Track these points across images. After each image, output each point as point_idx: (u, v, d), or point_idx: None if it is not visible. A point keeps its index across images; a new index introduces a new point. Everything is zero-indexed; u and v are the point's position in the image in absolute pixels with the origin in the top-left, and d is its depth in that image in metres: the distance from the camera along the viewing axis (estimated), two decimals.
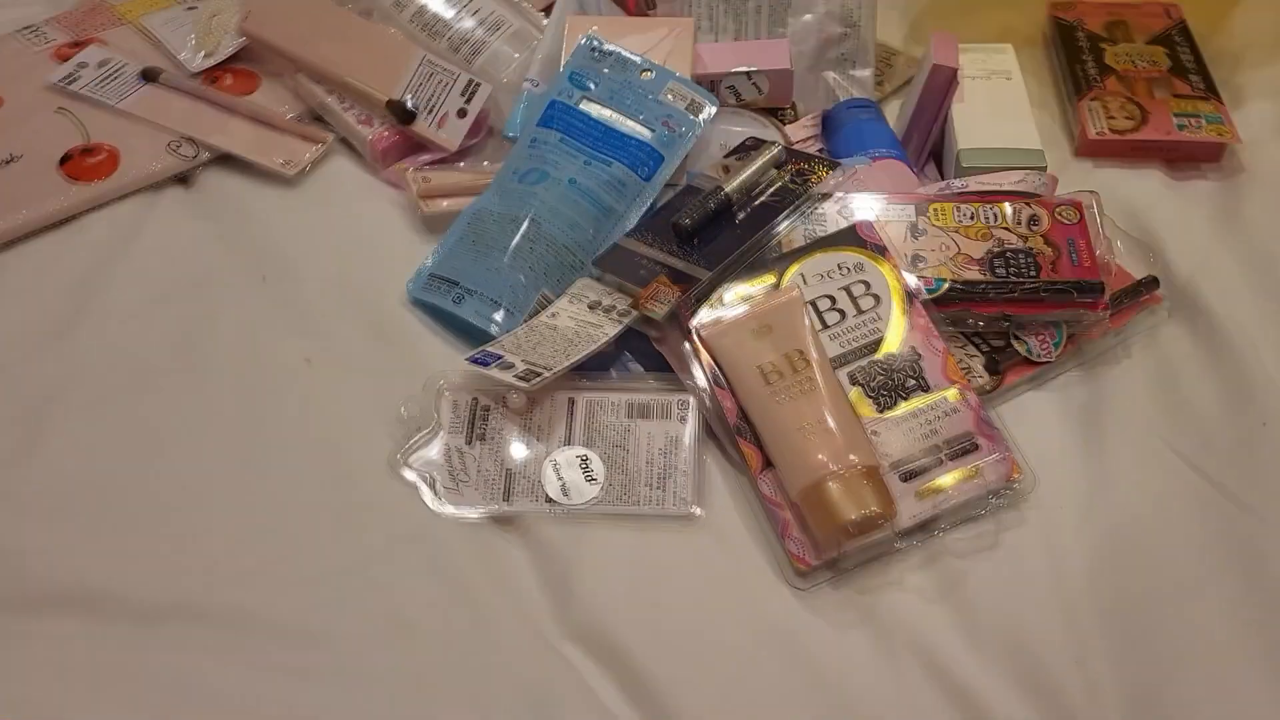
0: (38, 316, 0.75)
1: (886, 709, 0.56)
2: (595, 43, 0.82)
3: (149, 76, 0.90)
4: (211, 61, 0.92)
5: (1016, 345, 0.70)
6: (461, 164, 0.87)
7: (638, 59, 0.81)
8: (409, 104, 0.86)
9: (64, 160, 0.84)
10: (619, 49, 0.81)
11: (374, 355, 0.73)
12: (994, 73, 0.87)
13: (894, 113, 0.92)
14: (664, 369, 0.71)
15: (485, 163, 0.86)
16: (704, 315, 0.68)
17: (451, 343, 0.74)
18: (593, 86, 0.80)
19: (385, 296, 0.76)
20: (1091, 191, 0.74)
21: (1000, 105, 0.84)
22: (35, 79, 0.90)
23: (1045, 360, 0.70)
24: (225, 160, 0.87)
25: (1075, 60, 0.92)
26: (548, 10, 0.92)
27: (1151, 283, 0.75)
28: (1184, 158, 0.86)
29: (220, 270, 0.78)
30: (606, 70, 0.81)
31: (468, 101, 0.86)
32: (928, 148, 0.86)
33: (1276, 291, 0.75)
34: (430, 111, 0.87)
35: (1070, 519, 0.63)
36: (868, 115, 0.86)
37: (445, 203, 0.82)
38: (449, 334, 0.74)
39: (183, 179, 0.86)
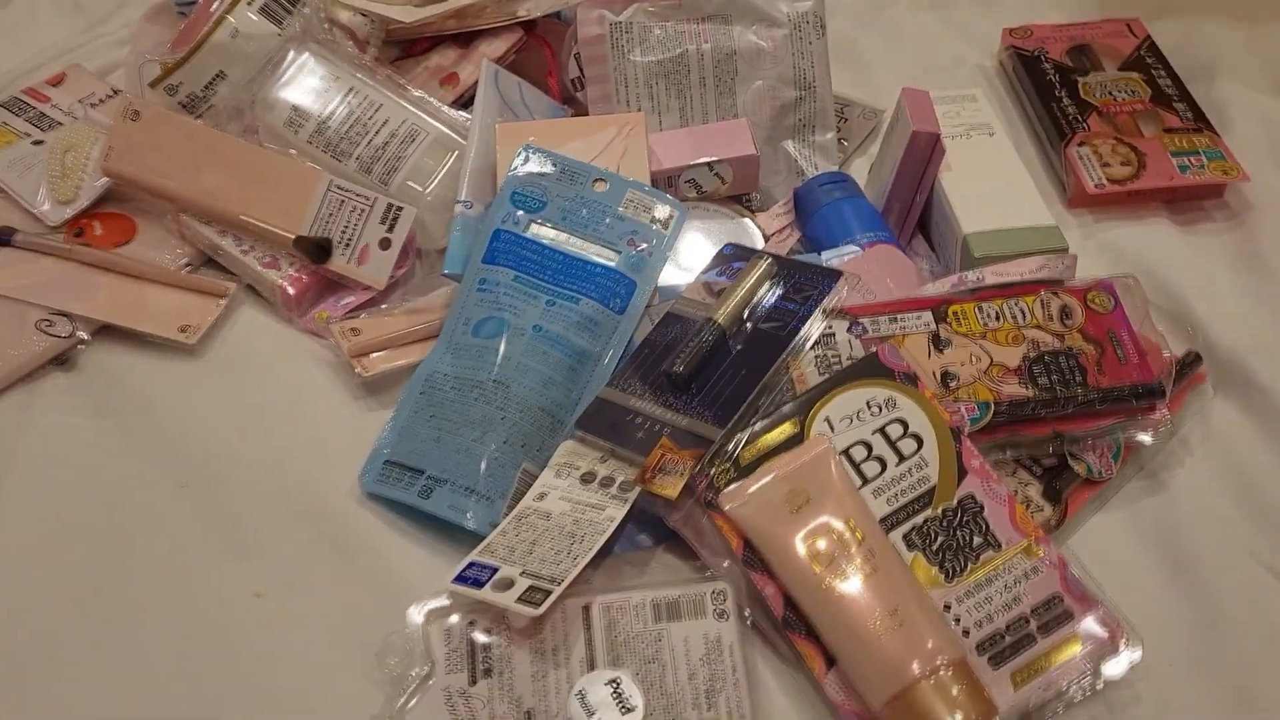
0: None
1: None
2: (537, 154, 0.70)
3: (2, 239, 0.76)
4: (73, 210, 0.79)
5: (1075, 466, 0.62)
6: (386, 304, 0.75)
7: (588, 168, 0.70)
8: (322, 238, 0.74)
9: None
10: (565, 158, 0.70)
11: (334, 575, 0.61)
12: (972, 128, 0.79)
13: (860, 171, 0.83)
14: (676, 536, 0.61)
15: (415, 299, 0.74)
16: (720, 482, 0.58)
17: (424, 542, 0.62)
18: (541, 207, 0.69)
19: (332, 490, 0.64)
20: (1129, 276, 0.65)
21: (993, 171, 0.75)
22: None
23: (1107, 477, 0.62)
24: (109, 331, 0.74)
25: (1049, 99, 0.84)
26: (466, 107, 0.80)
27: (1195, 360, 0.67)
28: (1185, 197, 0.79)
29: (128, 482, 0.65)
30: (553, 185, 0.70)
31: (389, 229, 0.74)
32: (912, 221, 0.77)
33: None
34: (347, 245, 0.75)
35: (1190, 684, 0.55)
36: (842, 193, 0.77)
37: (383, 360, 0.70)
38: (417, 529, 0.63)
39: (61, 361, 0.73)
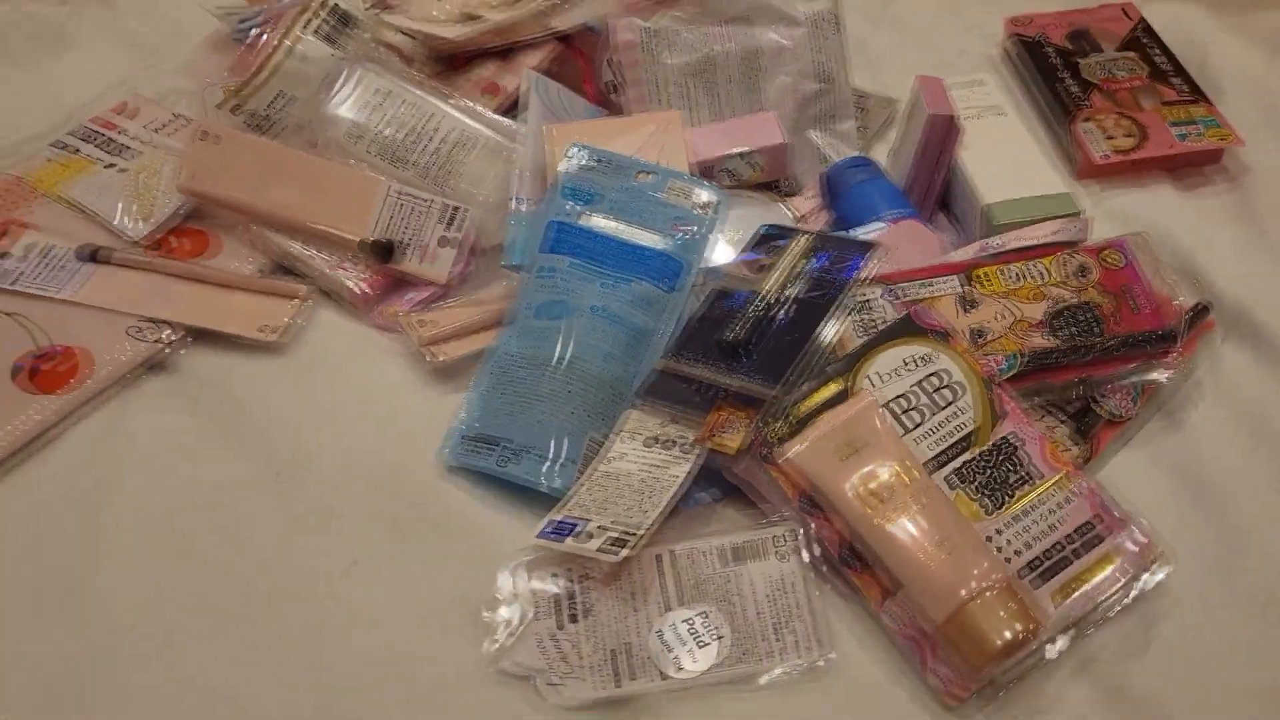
0: (33, 561, 0.66)
1: None
2: (584, 151, 0.76)
3: (90, 256, 0.82)
4: (153, 226, 0.84)
5: (1097, 409, 0.67)
6: (450, 298, 0.80)
7: (633, 161, 0.76)
8: (385, 240, 0.80)
9: (15, 373, 0.75)
10: (611, 154, 0.76)
11: (424, 539, 0.66)
12: (984, 110, 0.85)
13: (879, 156, 0.89)
14: (736, 490, 0.66)
15: (477, 292, 0.80)
16: (774, 438, 0.64)
17: (504, 509, 0.68)
18: (592, 199, 0.75)
19: (415, 468, 0.70)
20: (1138, 233, 0.71)
21: (1007, 147, 0.81)
22: None
23: (1129, 417, 0.67)
24: (196, 336, 0.79)
25: (1053, 79, 0.90)
26: (509, 113, 0.86)
27: (1203, 310, 0.73)
28: (1185, 164, 0.85)
29: (226, 473, 0.70)
30: (601, 179, 0.76)
31: (449, 228, 0.80)
32: (934, 198, 0.83)
33: None
34: (411, 245, 0.80)
35: (1217, 594, 0.60)
36: (867, 175, 0.82)
37: (452, 348, 0.76)
38: (498, 497, 0.68)
39: (153, 366, 0.78)
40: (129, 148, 0.92)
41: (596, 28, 0.93)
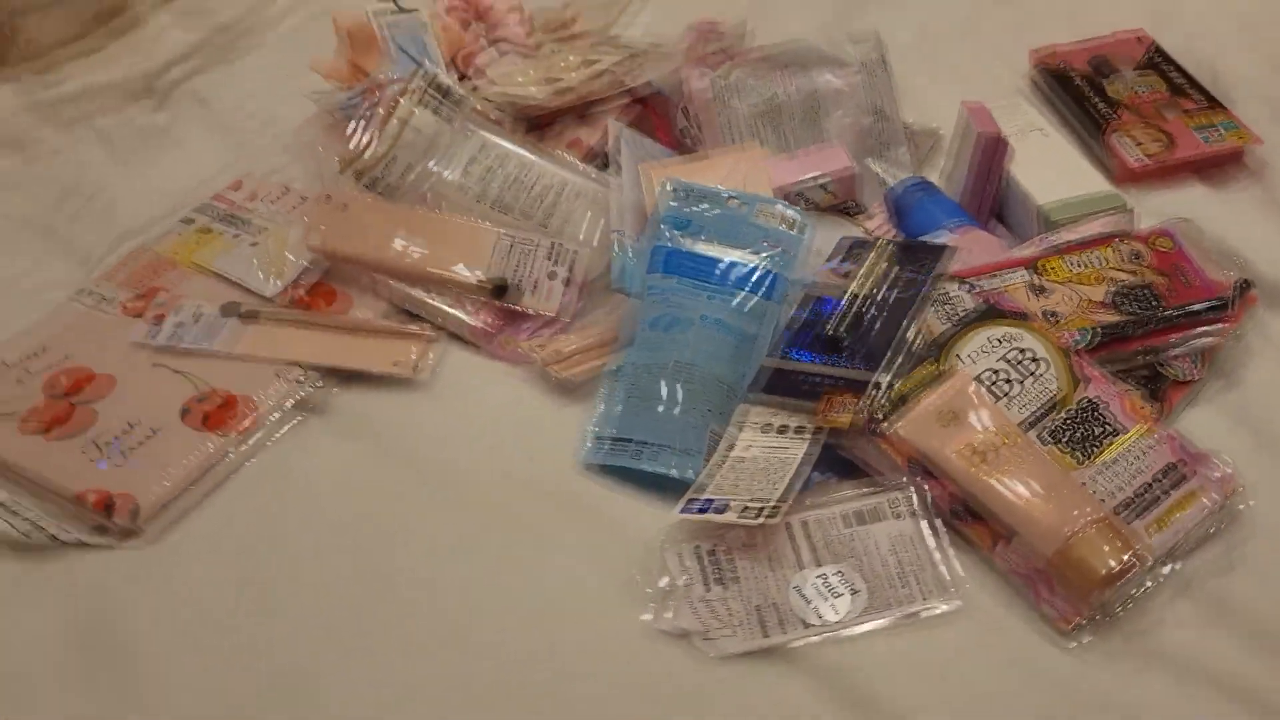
0: (238, 570, 0.74)
1: None
2: (678, 184, 0.85)
3: (233, 313, 0.91)
4: (284, 284, 0.93)
5: (1166, 372, 0.75)
6: (561, 326, 0.89)
7: (724, 191, 0.85)
8: (500, 280, 0.89)
9: (184, 414, 0.84)
10: (702, 186, 0.86)
11: (573, 526, 0.74)
12: (1025, 128, 0.94)
13: (931, 177, 0.98)
14: (841, 471, 0.74)
15: (585, 319, 0.89)
16: (880, 415, 0.72)
17: (640, 499, 0.75)
18: (690, 225, 0.84)
19: (555, 470, 0.78)
20: (1184, 219, 0.80)
21: (1051, 158, 0.90)
22: (117, 343, 0.89)
23: (1194, 378, 0.75)
24: (339, 378, 0.88)
25: (1082, 100, 1.00)
26: (593, 164, 0.96)
27: (1247, 285, 0.81)
28: (1211, 165, 0.94)
29: (384, 490, 0.78)
30: (697, 208, 0.85)
31: (555, 264, 0.89)
32: (988, 209, 0.92)
33: None
34: (523, 282, 0.89)
35: None
36: (927, 193, 0.92)
37: (574, 365, 0.84)
38: (632, 491, 0.76)
39: (304, 405, 0.87)
40: (248, 219, 1.02)
41: (661, 88, 1.03)
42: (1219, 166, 0.94)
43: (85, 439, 0.82)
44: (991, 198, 0.91)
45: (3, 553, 0.77)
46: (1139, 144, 0.94)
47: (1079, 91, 1.01)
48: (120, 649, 0.70)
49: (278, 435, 0.84)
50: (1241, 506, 0.67)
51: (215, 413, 0.83)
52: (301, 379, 0.86)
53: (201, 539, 0.77)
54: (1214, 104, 0.97)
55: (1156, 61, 1.03)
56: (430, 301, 0.90)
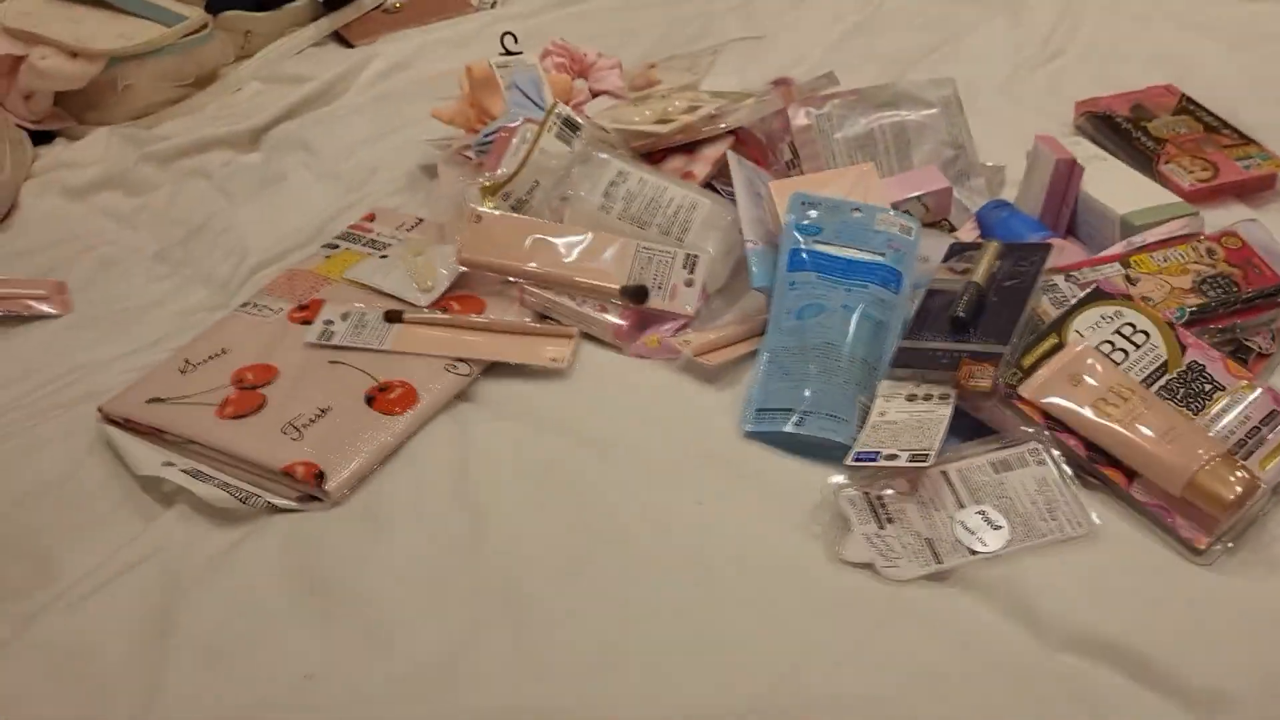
0: (436, 525, 0.82)
1: None
2: (806, 197, 0.97)
3: (394, 318, 1.00)
4: (436, 294, 1.03)
5: (1249, 344, 0.87)
6: (691, 328, 0.99)
7: (845, 201, 0.97)
8: (639, 285, 0.99)
9: (370, 400, 0.92)
10: (826, 197, 0.97)
11: (745, 485, 0.83)
12: (1089, 158, 1.07)
13: None
14: (972, 436, 0.84)
15: (718, 319, 1.00)
16: (1012, 382, 0.83)
17: (800, 461, 0.85)
18: (819, 231, 0.95)
19: (718, 438, 0.87)
20: (1252, 219, 0.93)
21: (1118, 179, 1.04)
22: (292, 343, 0.98)
23: (1272, 352, 0.87)
24: (490, 372, 0.97)
25: (1128, 139, 1.14)
26: (714, 178, 1.08)
27: None
28: (1250, 191, 1.08)
29: (557, 455, 0.87)
30: (823, 215, 0.96)
31: (690, 272, 1.00)
32: (1063, 225, 1.05)
33: None
34: (659, 288, 1.00)
35: None
36: (1008, 211, 1.04)
37: (719, 355, 0.94)
38: (793, 458, 0.85)
39: (461, 396, 0.95)
40: (388, 243, 1.12)
41: (750, 129, 1.16)
42: (1256, 191, 1.08)
43: (282, 421, 0.90)
44: (1066, 215, 1.04)
45: (220, 520, 0.84)
46: (1189, 171, 1.07)
47: (1126, 132, 1.15)
48: (348, 593, 0.77)
49: (442, 416, 0.92)
50: None
51: (397, 399, 0.92)
52: (465, 373, 0.95)
53: (400, 501, 0.85)
54: (1246, 139, 1.12)
55: (1189, 108, 1.18)
56: (571, 306, 1.00)
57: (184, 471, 0.87)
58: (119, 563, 0.81)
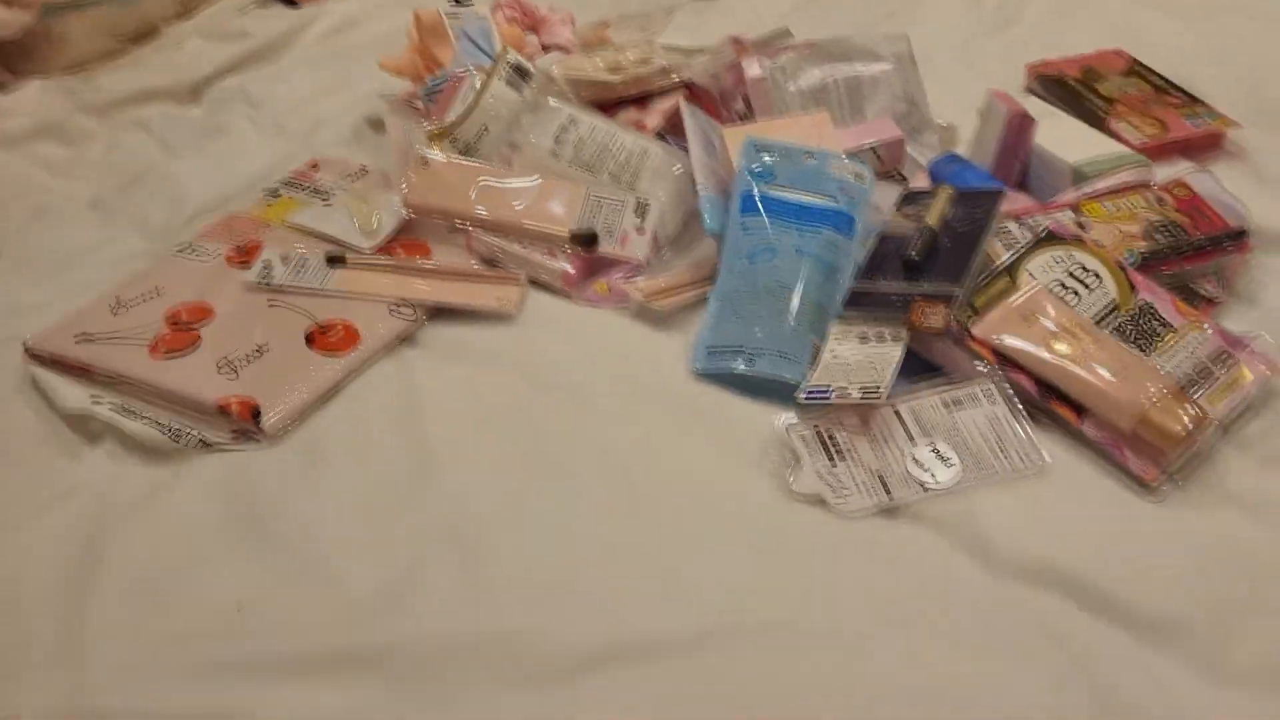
0: (380, 464, 0.80)
1: None
2: (760, 142, 0.96)
3: (336, 261, 0.97)
4: (380, 238, 1.00)
5: (1198, 290, 0.87)
6: (641, 275, 0.97)
7: (798, 147, 0.96)
8: (590, 231, 0.97)
9: (309, 340, 0.89)
10: (780, 143, 0.96)
11: (697, 422, 0.82)
12: (1041, 114, 1.07)
13: None
14: (923, 373, 0.83)
15: (670, 265, 0.98)
16: (965, 322, 0.82)
17: (751, 403, 0.83)
18: (773, 176, 0.94)
19: (668, 378, 0.86)
20: (1202, 170, 0.93)
21: (1070, 132, 1.04)
22: (230, 285, 0.95)
23: (1220, 298, 0.88)
24: (435, 318, 0.94)
25: (1079, 99, 1.14)
26: (666, 131, 1.06)
27: (1243, 233, 0.94)
28: (1197, 148, 1.09)
29: (508, 396, 0.85)
30: (776, 161, 0.95)
31: (641, 219, 0.98)
32: (1014, 178, 1.04)
33: None
34: (610, 234, 0.98)
35: None
36: (960, 165, 1.04)
37: (670, 298, 0.93)
38: (742, 398, 0.84)
39: (406, 340, 0.93)
40: (331, 191, 1.09)
41: (702, 83, 1.14)
42: (1204, 149, 1.09)
43: (217, 359, 0.87)
44: (1018, 168, 1.04)
45: (149, 458, 0.81)
46: (1139, 128, 1.08)
47: (1076, 92, 1.16)
48: (285, 527, 0.75)
49: (385, 360, 0.90)
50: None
51: (338, 340, 0.89)
52: (410, 316, 0.93)
53: (341, 440, 0.82)
54: (1194, 99, 1.12)
55: (1139, 70, 1.19)
56: (520, 252, 0.98)
57: (112, 408, 0.84)
58: (42, 497, 0.78)
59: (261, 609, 0.68)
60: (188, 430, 0.82)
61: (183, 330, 0.90)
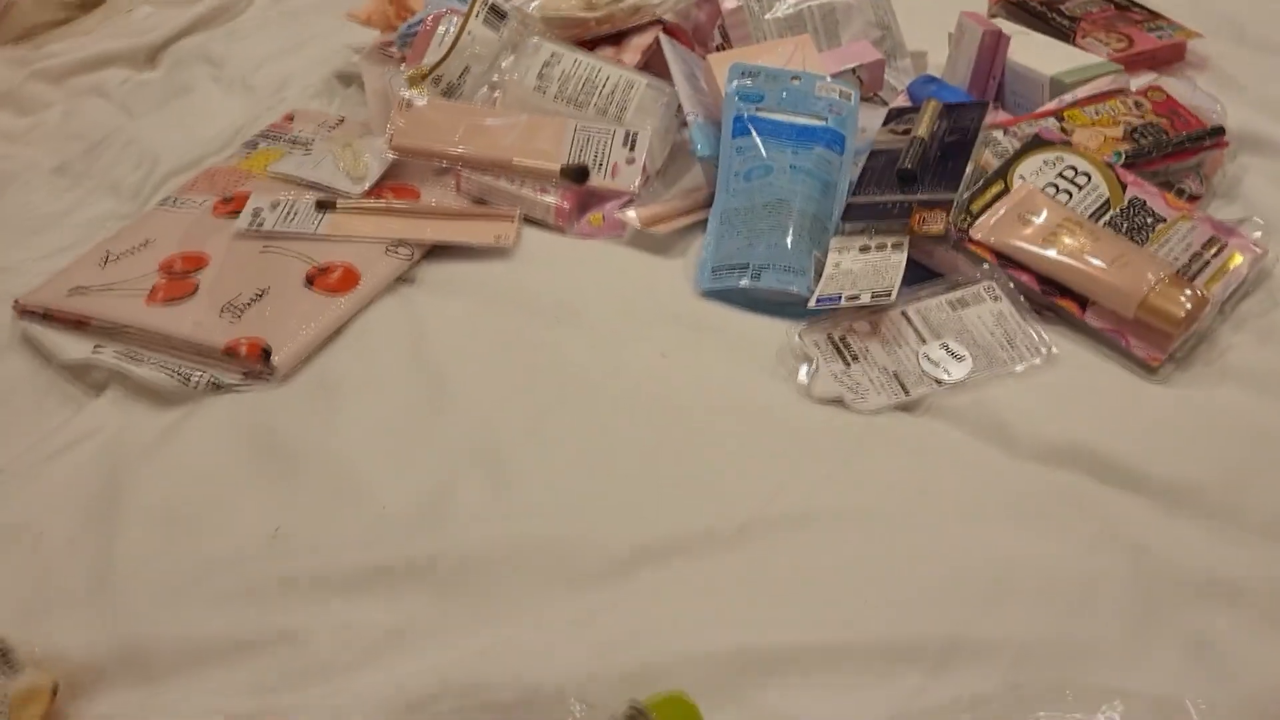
0: (394, 393, 0.79)
1: None
2: (746, 67, 0.97)
3: (326, 206, 0.96)
4: (369, 183, 1.00)
5: (1181, 187, 0.90)
6: (636, 204, 0.98)
7: (784, 70, 0.97)
8: (580, 164, 0.98)
9: (309, 281, 0.88)
10: (764, 66, 0.97)
11: (708, 338, 0.82)
12: (1011, 33, 1.09)
13: None
14: (924, 280, 0.85)
15: (662, 194, 0.99)
16: (964, 226, 0.84)
17: (758, 315, 0.84)
18: (762, 99, 0.95)
19: (676, 298, 0.87)
20: (1171, 74, 0.96)
21: (1041, 47, 1.06)
22: (220, 233, 0.94)
23: (1201, 194, 0.90)
24: (430, 256, 0.94)
25: (1044, 20, 1.17)
26: (643, 69, 1.07)
27: (1220, 130, 0.97)
28: (1162, 62, 1.12)
29: (517, 324, 0.85)
30: (763, 84, 0.96)
31: (631, 149, 0.99)
32: (991, 95, 1.06)
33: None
34: (600, 166, 0.98)
35: None
36: (937, 84, 1.05)
37: (667, 224, 0.93)
38: (748, 309, 0.85)
39: (404, 279, 0.93)
40: (311, 140, 1.08)
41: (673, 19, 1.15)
42: (1169, 61, 1.11)
43: (220, 304, 0.86)
44: (994, 86, 1.06)
45: (159, 402, 0.80)
46: (1106, 43, 1.10)
47: (1041, 14, 1.18)
48: (310, 455, 0.74)
49: (386, 297, 0.89)
50: (1276, 259, 0.81)
51: (338, 280, 0.89)
52: (406, 255, 0.92)
53: (354, 374, 0.82)
54: (1155, 14, 1.15)
55: None
56: (511, 189, 0.98)
57: (117, 355, 0.82)
58: (51, 447, 0.77)
59: (297, 533, 0.68)
60: (197, 373, 0.81)
61: (179, 278, 0.89)
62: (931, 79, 1.06)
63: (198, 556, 0.67)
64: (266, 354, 0.81)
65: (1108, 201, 0.85)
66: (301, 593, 0.64)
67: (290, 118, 1.12)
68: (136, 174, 1.12)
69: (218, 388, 0.81)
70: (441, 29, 1.06)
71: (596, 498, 0.70)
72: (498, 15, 1.07)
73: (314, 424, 0.77)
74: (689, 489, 0.70)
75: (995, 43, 1.04)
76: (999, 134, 0.92)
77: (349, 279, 0.89)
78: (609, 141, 0.99)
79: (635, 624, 0.62)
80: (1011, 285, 0.82)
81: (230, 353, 0.81)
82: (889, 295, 0.79)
